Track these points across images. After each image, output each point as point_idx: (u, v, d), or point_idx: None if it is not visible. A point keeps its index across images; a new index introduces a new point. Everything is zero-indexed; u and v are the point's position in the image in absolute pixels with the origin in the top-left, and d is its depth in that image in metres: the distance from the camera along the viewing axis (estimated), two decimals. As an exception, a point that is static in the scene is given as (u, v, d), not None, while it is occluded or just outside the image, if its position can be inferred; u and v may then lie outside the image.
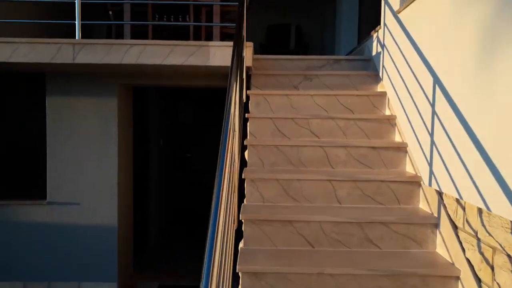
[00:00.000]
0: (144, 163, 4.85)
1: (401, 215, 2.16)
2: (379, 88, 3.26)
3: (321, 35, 6.75)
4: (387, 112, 3.01)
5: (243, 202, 2.36)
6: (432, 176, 2.15)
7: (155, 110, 5.32)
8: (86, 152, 3.68)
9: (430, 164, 2.18)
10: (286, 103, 3.07)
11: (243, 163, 2.63)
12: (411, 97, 2.47)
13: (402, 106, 2.64)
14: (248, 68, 3.14)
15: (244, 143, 2.61)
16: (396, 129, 2.80)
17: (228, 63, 2.97)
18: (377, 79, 3.30)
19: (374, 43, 3.40)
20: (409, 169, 2.54)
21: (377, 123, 2.82)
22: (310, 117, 2.83)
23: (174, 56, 2.96)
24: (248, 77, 3.35)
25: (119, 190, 3.72)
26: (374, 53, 3.42)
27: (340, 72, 3.33)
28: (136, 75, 3.68)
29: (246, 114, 2.84)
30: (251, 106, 3.08)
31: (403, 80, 2.64)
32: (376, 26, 3.41)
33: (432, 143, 2.13)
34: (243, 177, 2.34)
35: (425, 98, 2.24)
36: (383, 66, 3.10)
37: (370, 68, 3.55)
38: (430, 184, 2.18)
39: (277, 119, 2.84)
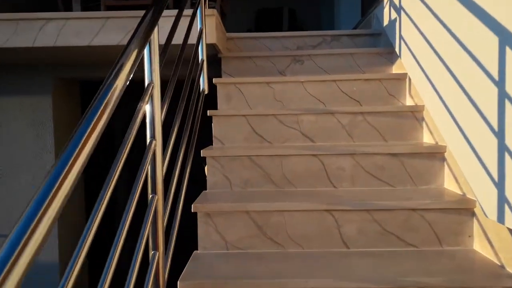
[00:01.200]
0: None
1: (449, 269, 1.31)
2: (396, 69, 2.40)
3: (318, 19, 5.88)
4: (409, 102, 2.15)
5: (196, 249, 1.51)
6: (500, 204, 1.29)
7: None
8: (15, 166, 2.84)
9: (499, 185, 1.31)
10: (268, 94, 2.22)
11: (202, 184, 1.78)
12: (454, 75, 1.61)
13: (436, 90, 1.78)
14: (213, 48, 2.29)
15: (202, 154, 1.76)
16: (425, 125, 1.94)
17: (192, 40, 2.12)
18: (392, 57, 2.44)
19: (386, 10, 2.53)
20: (450, 185, 1.68)
21: (396, 117, 1.96)
22: (301, 112, 1.98)
23: (107, 33, 2.12)
24: (217, 61, 2.50)
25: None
26: (386, 22, 2.55)
27: (341, 50, 2.47)
28: (79, 65, 2.85)
29: (208, 111, 1.99)
30: (220, 100, 2.23)
31: (436, 52, 1.77)
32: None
33: (503, 149, 1.27)
34: (193, 210, 1.49)
35: (483, 73, 1.38)
36: (401, 38, 2.23)
37: (381, 43, 2.68)
38: (496, 218, 1.32)
39: (253, 116, 1.99)
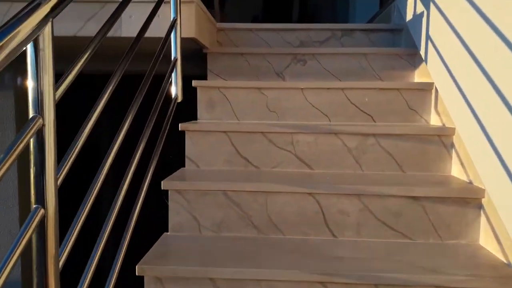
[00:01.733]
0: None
1: None
2: (419, 76, 1.95)
3: (332, 6, 5.37)
4: (434, 119, 1.71)
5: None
6: None
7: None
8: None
9: None
10: (260, 102, 1.80)
11: (163, 225, 1.39)
12: (500, 93, 1.18)
13: (473, 110, 1.35)
14: (195, 43, 1.86)
15: (163, 187, 1.36)
16: (455, 154, 1.51)
17: (158, 32, 1.70)
18: (414, 60, 1.99)
19: (410, 1, 2.07)
20: (489, 244, 1.27)
21: (418, 142, 1.54)
22: (296, 131, 1.57)
23: (66, 21, 1.71)
24: (202, 57, 2.08)
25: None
26: (409, 16, 2.09)
27: (351, 49, 2.03)
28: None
29: (180, 125, 1.59)
30: (200, 108, 1.82)
31: (476, 60, 1.34)
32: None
33: None
34: (137, 273, 1.10)
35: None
36: (428, 38, 1.78)
37: (402, 42, 2.23)
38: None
39: (237, 134, 1.58)
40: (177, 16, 1.58)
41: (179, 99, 1.63)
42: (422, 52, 1.86)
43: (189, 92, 1.83)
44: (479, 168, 1.31)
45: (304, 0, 5.22)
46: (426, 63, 1.80)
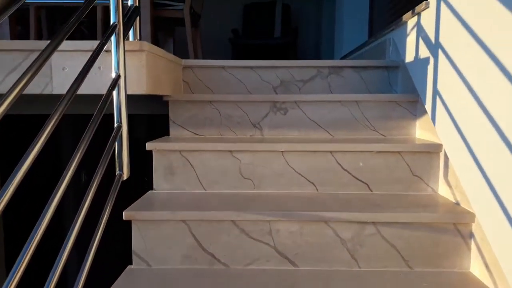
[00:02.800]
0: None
1: None
2: (421, 128, 1.64)
3: (317, 17, 5.06)
4: (443, 190, 1.40)
5: None
6: None
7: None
8: None
9: None
10: (231, 168, 1.47)
11: None
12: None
13: (494, 191, 1.03)
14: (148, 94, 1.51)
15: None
16: (474, 246, 1.20)
17: (98, 88, 1.34)
18: (415, 108, 1.68)
19: (411, 39, 1.75)
20: None
21: (427, 230, 1.22)
22: (275, 219, 1.23)
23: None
24: (163, 105, 1.73)
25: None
26: (410, 58, 1.78)
27: (341, 96, 1.70)
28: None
29: (124, 213, 1.23)
30: (156, 176, 1.48)
31: (497, 128, 1.02)
32: (406, 5, 1.77)
33: None
34: None
35: None
36: (436, 92, 1.47)
37: (399, 81, 1.92)
38: None
39: (198, 223, 1.24)
40: (120, 70, 1.23)
41: (125, 177, 1.28)
42: (428, 108, 1.54)
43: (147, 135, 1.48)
44: (506, 271, 1.00)
45: (287, 16, 4.89)
46: (434, 123, 1.48)
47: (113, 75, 1.22)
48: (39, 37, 2.78)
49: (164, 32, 3.46)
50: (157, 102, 1.90)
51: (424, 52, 1.57)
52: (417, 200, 1.36)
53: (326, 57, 4.51)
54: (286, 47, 3.85)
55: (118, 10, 1.19)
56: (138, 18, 1.42)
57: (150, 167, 1.52)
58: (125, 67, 1.23)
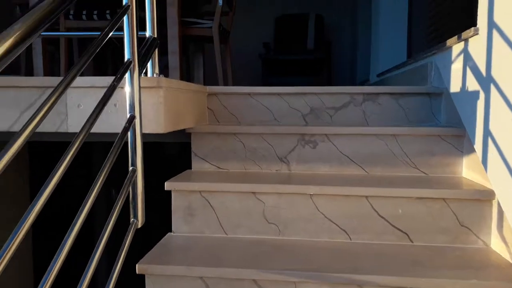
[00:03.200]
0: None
1: None
2: (468, 167, 1.45)
3: (352, 30, 4.88)
4: (496, 244, 1.21)
5: None
6: None
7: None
8: None
9: None
10: (253, 211, 1.35)
11: None
12: None
13: None
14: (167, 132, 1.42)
15: None
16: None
17: (114, 127, 1.27)
18: (462, 144, 1.50)
19: (456, 66, 1.58)
20: None
21: (479, 297, 1.04)
22: (299, 279, 1.09)
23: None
24: (185, 136, 1.64)
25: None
26: (454, 87, 1.60)
27: (376, 130, 1.54)
28: None
29: (137, 266, 1.14)
30: (175, 218, 1.38)
31: None
32: (450, 28, 1.60)
33: None
34: None
35: None
36: (488, 134, 1.29)
37: (442, 109, 1.73)
38: None
39: (214, 280, 1.12)
40: (135, 110, 1.14)
41: (139, 225, 1.19)
42: (477, 149, 1.36)
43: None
44: None
45: (320, 28, 4.74)
46: (485, 167, 1.30)
47: (128, 115, 1.13)
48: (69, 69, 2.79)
49: (194, 47, 3.41)
50: (180, 130, 1.81)
51: (472, 84, 1.39)
52: (466, 257, 1.18)
53: (362, 74, 4.32)
54: (319, 62, 3.70)
55: (132, 45, 1.11)
56: (156, 50, 1.33)
57: (169, 205, 1.42)
58: (141, 106, 1.14)
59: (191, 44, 3.61)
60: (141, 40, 1.22)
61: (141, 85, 1.22)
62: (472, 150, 1.42)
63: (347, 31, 4.87)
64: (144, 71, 1.28)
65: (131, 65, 1.11)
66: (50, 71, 2.53)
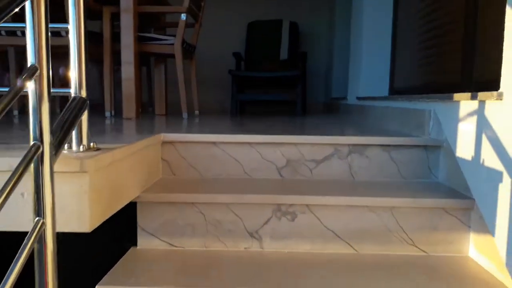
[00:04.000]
0: None
1: None
2: (478, 247, 1.19)
3: (328, 41, 4.62)
4: None
5: None
6: None
7: None
8: None
9: None
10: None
11: None
12: None
13: None
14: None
15: None
16: None
17: (18, 225, 0.92)
18: (469, 218, 1.24)
19: (465, 125, 1.30)
20: None
21: None
22: None
23: None
24: (131, 209, 1.30)
25: None
26: (461, 147, 1.33)
27: (369, 200, 1.26)
28: None
29: None
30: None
31: None
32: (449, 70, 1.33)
33: None
34: None
35: None
36: (509, 197, 1.03)
37: (440, 168, 1.47)
38: None
39: None
40: (44, 209, 0.80)
41: None
42: (497, 237, 1.10)
43: None
44: None
45: (295, 36, 4.45)
46: (507, 264, 1.04)
47: (34, 218, 0.79)
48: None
49: (155, 59, 3.03)
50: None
51: (491, 156, 1.12)
52: None
53: (338, 88, 4.07)
54: (294, 78, 3.41)
55: (41, 124, 0.77)
56: (85, 113, 0.99)
57: None
58: (54, 202, 0.80)
59: (152, 56, 3.23)
60: (64, 99, 0.88)
61: (58, 170, 0.88)
62: (482, 226, 1.16)
63: (323, 40, 4.61)
64: (65, 144, 0.94)
65: (39, 151, 0.77)
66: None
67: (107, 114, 2.54)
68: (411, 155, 1.51)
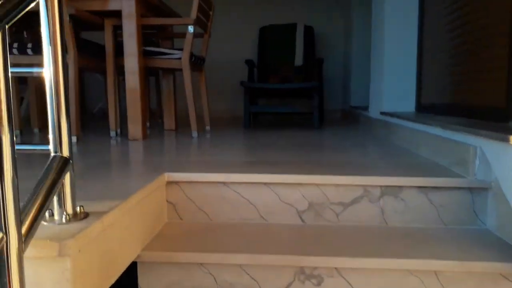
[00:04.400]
0: None
1: None
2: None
3: (345, 42, 4.40)
4: None
5: None
6: None
7: None
8: None
9: None
10: None
11: None
12: None
13: None
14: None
15: None
16: None
17: None
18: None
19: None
20: None
21: None
22: None
23: None
24: (131, 266, 1.12)
25: None
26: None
27: (411, 263, 1.06)
28: None
29: None
30: None
31: None
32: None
33: None
34: None
35: None
36: None
37: (488, 213, 1.26)
38: None
39: None
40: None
41: None
42: None
43: None
44: None
45: (310, 41, 4.23)
46: None
47: None
48: None
49: (163, 72, 2.86)
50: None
51: None
52: None
53: (357, 97, 3.85)
54: (310, 89, 3.20)
55: (6, 213, 0.60)
56: (68, 174, 0.81)
57: None
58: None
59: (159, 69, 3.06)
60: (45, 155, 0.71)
61: (32, 256, 0.70)
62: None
63: (339, 44, 4.38)
64: (45, 217, 0.76)
65: (2, 242, 0.60)
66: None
67: (112, 134, 2.37)
68: (453, 198, 1.30)
